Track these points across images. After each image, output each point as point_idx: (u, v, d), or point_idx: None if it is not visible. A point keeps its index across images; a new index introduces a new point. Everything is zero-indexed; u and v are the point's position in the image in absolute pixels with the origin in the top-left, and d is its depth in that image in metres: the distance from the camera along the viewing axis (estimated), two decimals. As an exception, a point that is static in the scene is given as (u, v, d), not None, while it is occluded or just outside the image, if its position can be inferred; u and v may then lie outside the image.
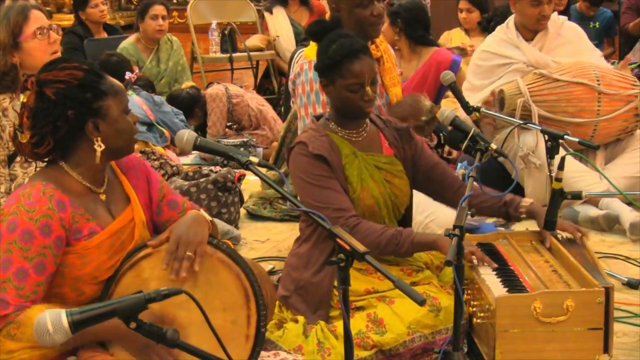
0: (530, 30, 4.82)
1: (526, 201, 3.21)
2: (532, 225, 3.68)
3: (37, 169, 2.40)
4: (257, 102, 6.57)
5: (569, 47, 4.86)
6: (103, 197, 2.37)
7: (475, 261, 2.95)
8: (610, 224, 4.44)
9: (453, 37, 6.79)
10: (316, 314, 2.99)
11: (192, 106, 6.42)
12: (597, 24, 7.75)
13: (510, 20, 4.89)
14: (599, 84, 4.60)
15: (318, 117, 3.18)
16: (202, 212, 2.49)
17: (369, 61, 3.04)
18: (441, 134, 4.53)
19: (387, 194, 3.09)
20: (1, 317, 2.14)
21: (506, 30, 4.88)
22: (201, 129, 6.47)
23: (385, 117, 3.28)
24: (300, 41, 6.83)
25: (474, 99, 4.72)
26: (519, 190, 4.68)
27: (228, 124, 6.54)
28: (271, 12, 7.51)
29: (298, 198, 2.99)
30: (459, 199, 3.20)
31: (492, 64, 4.85)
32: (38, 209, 2.19)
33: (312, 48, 3.68)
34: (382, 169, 3.11)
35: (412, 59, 4.77)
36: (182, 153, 5.96)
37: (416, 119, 3.83)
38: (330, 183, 2.98)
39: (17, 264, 2.16)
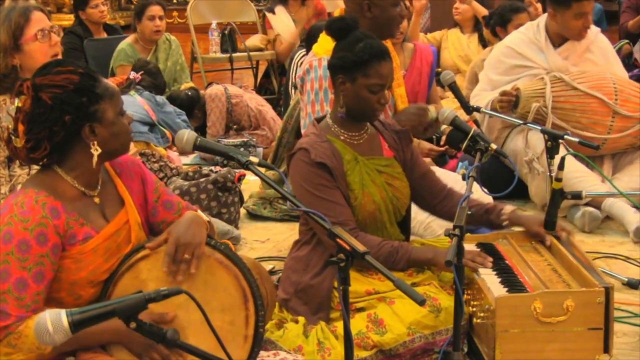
0: (560, 36, 4.73)
1: (508, 208, 3.19)
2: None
3: (34, 170, 2.38)
4: (256, 102, 6.57)
5: (596, 62, 4.76)
6: (97, 200, 2.35)
7: (478, 265, 2.96)
8: None
9: (450, 35, 6.81)
10: (316, 316, 2.98)
11: (191, 108, 6.42)
12: None
13: (541, 21, 4.78)
14: (616, 98, 4.56)
15: (319, 120, 3.18)
16: (199, 212, 2.47)
17: (391, 66, 3.04)
18: (435, 135, 4.53)
19: (388, 198, 3.08)
20: (1, 327, 2.12)
21: (535, 31, 4.77)
22: (202, 130, 6.47)
23: (383, 120, 3.27)
24: (300, 42, 6.83)
25: (490, 96, 4.69)
26: (521, 190, 4.67)
27: (228, 124, 6.54)
28: (274, 12, 7.51)
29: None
30: (441, 209, 3.25)
31: (513, 62, 4.75)
32: (32, 218, 2.18)
33: (320, 45, 3.67)
34: (383, 172, 3.11)
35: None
36: (182, 153, 5.95)
37: (420, 128, 3.83)
38: (330, 193, 2.98)
39: (15, 274, 2.15)
